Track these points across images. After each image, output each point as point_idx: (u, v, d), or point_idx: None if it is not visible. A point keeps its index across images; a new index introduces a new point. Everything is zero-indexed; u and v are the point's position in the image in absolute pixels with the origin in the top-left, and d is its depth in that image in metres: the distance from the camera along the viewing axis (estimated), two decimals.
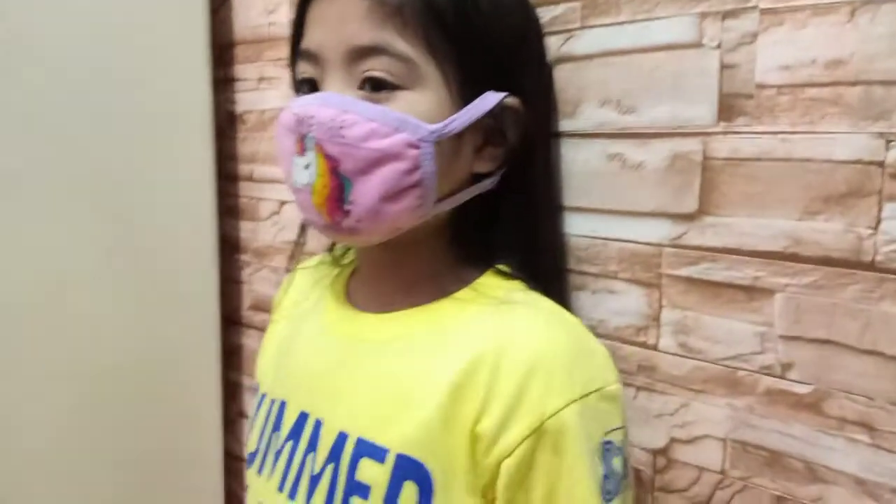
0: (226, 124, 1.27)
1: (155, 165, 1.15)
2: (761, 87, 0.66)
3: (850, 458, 0.64)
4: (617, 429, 0.62)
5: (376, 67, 0.61)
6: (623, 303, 0.77)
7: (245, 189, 1.27)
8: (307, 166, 0.62)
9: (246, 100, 1.25)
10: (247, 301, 1.29)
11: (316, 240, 0.81)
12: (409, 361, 0.64)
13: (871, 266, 0.62)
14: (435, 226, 0.67)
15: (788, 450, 0.67)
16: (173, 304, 1.19)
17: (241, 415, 1.33)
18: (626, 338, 0.77)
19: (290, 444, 0.69)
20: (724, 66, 0.68)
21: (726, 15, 0.68)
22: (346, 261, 0.80)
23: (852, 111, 0.62)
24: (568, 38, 0.77)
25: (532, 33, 0.72)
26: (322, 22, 0.64)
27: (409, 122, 0.60)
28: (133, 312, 1.14)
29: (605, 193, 0.77)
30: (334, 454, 0.64)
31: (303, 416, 0.68)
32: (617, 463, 0.61)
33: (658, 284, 0.74)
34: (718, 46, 0.68)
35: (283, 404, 0.72)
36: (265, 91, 1.20)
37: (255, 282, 1.27)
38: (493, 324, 0.62)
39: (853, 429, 0.64)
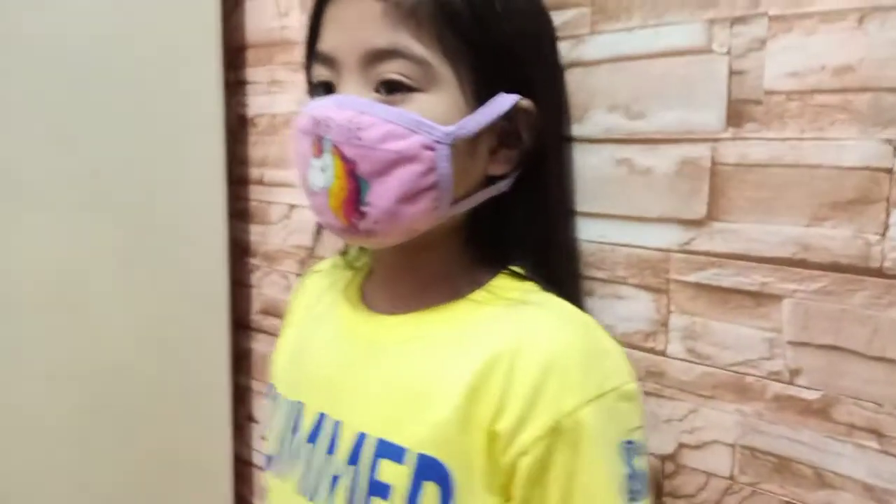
0: (237, 128, 1.28)
1: (166, 168, 1.16)
2: (770, 93, 0.66)
3: (859, 464, 0.64)
4: (637, 428, 0.62)
5: (392, 70, 0.61)
6: (631, 308, 0.77)
7: (255, 193, 1.27)
8: (324, 169, 0.62)
9: (257, 103, 1.25)
10: (256, 305, 1.30)
11: (329, 244, 0.82)
12: (426, 362, 0.64)
13: (879, 272, 0.62)
14: (449, 228, 0.67)
15: (797, 455, 0.67)
16: (183, 308, 1.20)
17: (251, 419, 1.33)
18: (635, 343, 0.77)
19: (309, 445, 0.69)
20: (733, 73, 0.68)
21: (735, 21, 0.68)
22: (358, 264, 0.80)
23: (861, 118, 0.62)
24: (577, 44, 0.78)
25: (546, 35, 0.73)
26: (337, 25, 0.64)
27: (424, 124, 0.60)
28: (143, 315, 1.15)
29: (613, 199, 0.77)
30: (354, 455, 0.64)
31: (321, 418, 0.69)
32: (640, 462, 0.61)
33: (666, 290, 0.74)
34: (728, 52, 0.68)
35: (300, 406, 0.72)
36: (276, 94, 1.21)
37: (264, 286, 1.28)
38: (509, 324, 0.63)
39: (862, 435, 0.64)
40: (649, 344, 0.76)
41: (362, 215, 0.62)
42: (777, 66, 0.66)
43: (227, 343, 1.25)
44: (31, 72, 1.01)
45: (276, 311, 1.26)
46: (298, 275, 1.20)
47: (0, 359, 1.01)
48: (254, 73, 1.25)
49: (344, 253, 0.82)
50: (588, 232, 0.79)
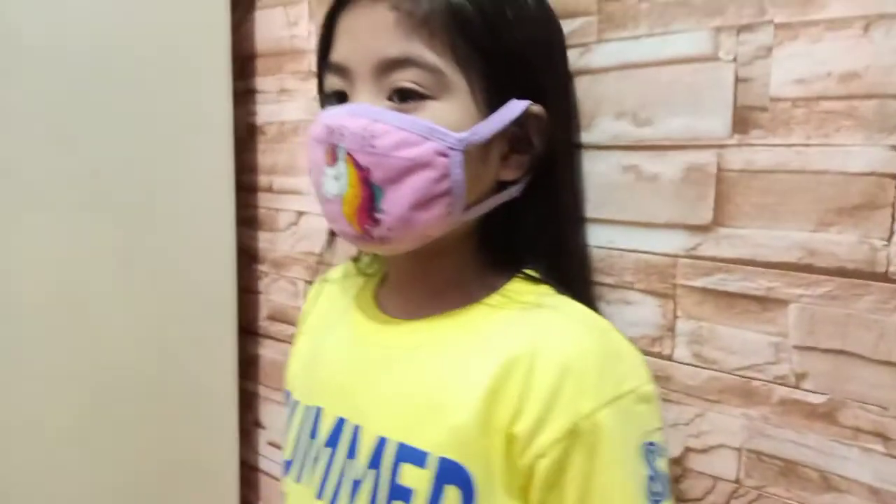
0: (246, 136, 1.29)
1: (175, 176, 1.16)
2: (776, 100, 0.67)
3: (865, 468, 0.64)
4: (657, 429, 0.62)
5: (405, 78, 0.62)
6: (638, 313, 0.77)
7: (264, 200, 1.28)
8: (338, 177, 0.63)
9: (266, 111, 1.26)
10: (264, 311, 1.31)
11: (339, 250, 0.83)
12: (443, 366, 0.65)
13: (884, 277, 0.63)
14: (462, 233, 0.68)
15: (803, 459, 0.68)
16: (191, 314, 1.20)
17: (257, 424, 1.34)
18: (642, 348, 0.77)
19: (328, 450, 0.69)
20: (739, 80, 0.69)
21: (742, 29, 0.69)
22: (370, 270, 0.81)
23: (867, 124, 0.62)
24: (584, 52, 0.78)
25: (556, 43, 0.74)
26: (350, 35, 0.65)
27: (438, 131, 0.61)
28: (151, 320, 1.15)
29: (620, 205, 0.78)
30: (375, 459, 0.64)
31: (340, 423, 0.69)
32: (661, 464, 0.62)
33: (673, 295, 0.75)
34: (734, 60, 0.69)
35: (318, 411, 0.72)
36: (285, 103, 1.22)
37: (272, 292, 1.28)
38: (526, 327, 0.63)
39: (867, 438, 0.64)
40: (656, 349, 0.76)
41: (376, 222, 0.63)
42: (783, 74, 0.67)
43: (235, 349, 1.26)
44: (43, 83, 1.02)
45: (283, 318, 1.26)
46: (307, 281, 1.20)
47: (5, 363, 1.02)
48: (263, 82, 1.26)
49: (356, 260, 0.83)
50: (596, 238, 0.79)
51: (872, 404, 0.64)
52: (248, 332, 1.33)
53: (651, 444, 0.61)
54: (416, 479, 0.61)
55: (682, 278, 0.74)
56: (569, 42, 0.78)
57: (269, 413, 1.31)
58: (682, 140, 0.73)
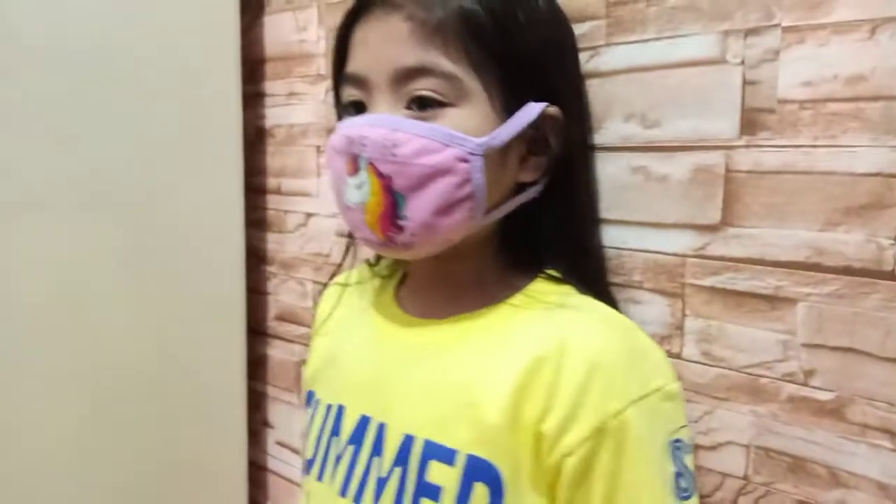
0: (255, 138, 1.30)
1: (185, 178, 1.18)
2: (783, 102, 0.68)
3: (872, 464, 0.65)
4: (682, 426, 0.63)
5: (423, 87, 0.63)
6: (647, 312, 0.78)
7: (272, 202, 1.29)
8: (360, 186, 0.64)
9: (275, 115, 1.28)
10: (272, 312, 1.32)
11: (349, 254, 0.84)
12: (470, 364, 0.65)
13: (891, 276, 0.64)
14: (483, 235, 0.69)
15: (811, 455, 0.69)
16: (200, 314, 1.21)
17: (266, 424, 1.34)
18: None
19: (351, 448, 0.70)
20: (746, 82, 0.70)
21: (749, 32, 0.70)
22: (385, 272, 0.82)
23: (873, 125, 0.64)
24: (594, 55, 0.80)
25: (568, 44, 0.75)
26: (366, 46, 0.66)
27: (457, 137, 0.62)
28: (160, 322, 1.16)
29: (630, 205, 0.79)
30: (401, 457, 0.65)
31: (364, 420, 0.69)
32: (688, 460, 0.62)
33: (682, 294, 0.76)
34: (742, 63, 0.70)
35: (340, 409, 0.73)
36: (294, 106, 1.23)
37: (280, 293, 1.30)
38: (552, 326, 0.64)
39: (875, 434, 0.65)
40: (665, 347, 0.77)
41: (400, 229, 0.63)
42: (790, 76, 0.68)
43: (243, 349, 1.27)
44: (55, 86, 1.03)
45: (291, 318, 1.27)
46: (315, 282, 1.21)
47: (13, 363, 1.03)
48: (272, 86, 1.27)
49: (372, 263, 0.84)
50: (606, 238, 0.80)
51: (880, 401, 0.65)
52: (257, 332, 1.34)
53: (677, 441, 0.62)
54: (445, 476, 0.62)
55: (691, 277, 0.75)
56: (578, 45, 0.79)
57: (278, 413, 1.32)
58: (690, 141, 0.74)
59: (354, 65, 0.67)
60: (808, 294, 0.68)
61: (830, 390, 0.68)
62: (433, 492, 0.62)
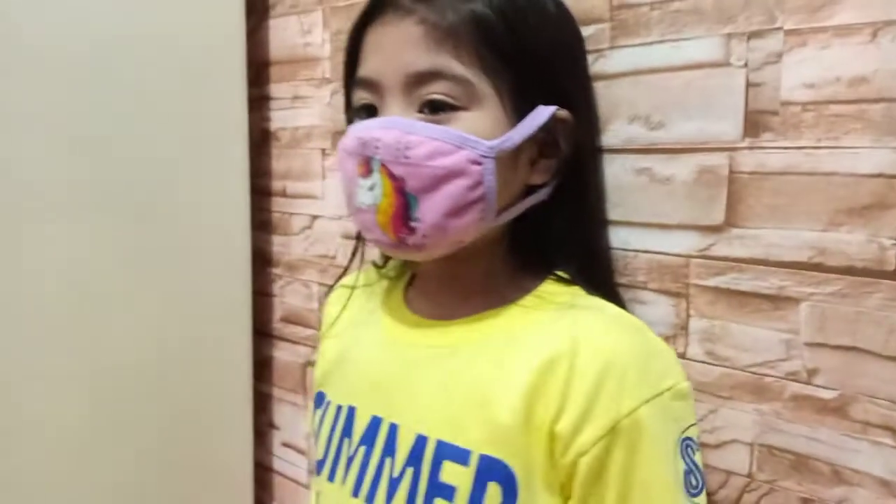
0: (260, 141, 1.31)
1: (191, 180, 1.18)
2: (786, 104, 0.69)
3: (875, 461, 0.66)
4: (692, 425, 0.64)
5: (435, 91, 0.64)
6: (652, 312, 0.79)
7: (278, 204, 1.30)
8: (372, 187, 0.65)
9: (280, 117, 1.28)
10: (278, 313, 1.33)
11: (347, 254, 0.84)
12: (482, 365, 0.66)
13: (893, 275, 0.65)
14: (493, 237, 0.69)
15: (814, 453, 0.70)
16: (207, 316, 1.22)
17: (272, 425, 1.35)
18: None
19: (363, 448, 0.70)
20: (750, 85, 0.71)
21: (752, 35, 0.71)
22: (392, 274, 0.82)
23: (875, 127, 0.64)
24: (598, 58, 0.80)
25: (577, 47, 0.76)
26: (378, 50, 0.67)
27: (470, 140, 0.63)
28: (167, 324, 1.17)
29: (634, 206, 0.80)
30: (414, 457, 0.65)
31: (375, 421, 0.70)
32: (697, 458, 0.63)
33: (686, 294, 0.77)
34: (745, 65, 0.71)
35: (351, 410, 0.73)
36: (299, 109, 1.24)
37: (286, 295, 1.30)
38: (564, 327, 0.64)
39: (877, 432, 0.66)
40: (669, 346, 0.78)
41: (411, 230, 0.64)
42: (793, 79, 0.69)
43: (249, 351, 1.27)
44: (62, 89, 1.03)
45: (297, 320, 1.28)
46: (321, 284, 1.22)
47: (22, 364, 1.03)
48: (277, 89, 1.28)
49: (379, 265, 0.84)
50: (611, 239, 0.81)
51: (882, 399, 0.66)
52: (263, 334, 1.34)
53: (688, 439, 0.63)
54: (459, 476, 0.62)
55: (695, 278, 0.76)
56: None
57: (283, 414, 1.33)
58: (694, 143, 0.75)
59: (366, 69, 0.68)
60: (811, 294, 0.69)
61: (833, 389, 0.68)
62: (447, 492, 0.63)
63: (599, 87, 0.80)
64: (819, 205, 0.68)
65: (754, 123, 0.71)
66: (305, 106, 1.23)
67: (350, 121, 0.72)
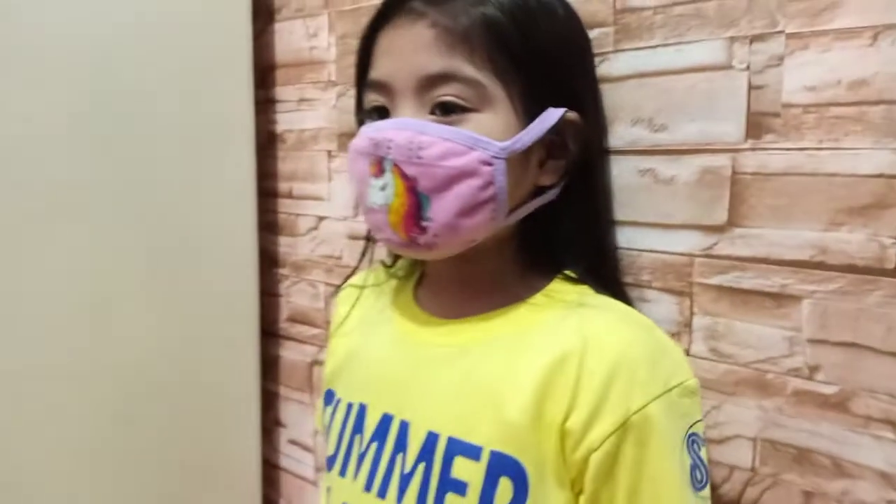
0: (266, 143, 1.32)
1: (199, 182, 1.20)
2: (788, 106, 0.70)
3: (875, 454, 0.68)
4: (699, 421, 0.65)
5: (447, 93, 0.65)
6: (656, 310, 0.80)
7: (284, 206, 1.31)
8: (384, 187, 0.66)
9: (286, 120, 1.30)
10: (284, 313, 1.34)
11: (356, 255, 0.86)
12: (492, 363, 0.67)
13: (893, 273, 0.66)
14: (502, 236, 0.71)
15: (816, 447, 0.71)
16: (214, 316, 1.23)
17: (278, 423, 1.37)
18: None
19: (374, 445, 0.71)
20: (752, 87, 0.72)
21: (754, 39, 0.72)
22: (401, 273, 0.83)
23: (875, 128, 0.66)
24: (602, 61, 0.82)
25: (586, 50, 0.77)
26: (391, 53, 0.68)
27: (481, 141, 0.64)
28: (175, 324, 1.18)
29: (638, 207, 0.81)
30: (425, 453, 0.66)
31: (386, 418, 0.71)
32: (703, 453, 0.65)
33: (690, 293, 0.78)
34: (747, 68, 0.73)
35: (362, 407, 0.74)
36: (305, 112, 1.25)
37: (292, 295, 1.32)
38: (574, 325, 0.65)
39: (878, 426, 0.68)
40: None
41: (423, 230, 0.65)
42: (794, 81, 0.70)
43: (256, 350, 1.28)
44: (69, 93, 1.04)
45: (303, 319, 1.30)
46: (326, 284, 1.24)
47: (32, 364, 1.04)
48: (283, 92, 1.30)
49: (387, 265, 0.85)
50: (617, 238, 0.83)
51: (883, 393, 0.67)
52: (270, 333, 1.36)
53: (694, 434, 0.64)
54: (471, 471, 0.63)
55: (699, 276, 0.77)
56: None
57: (290, 412, 1.34)
58: (697, 144, 0.76)
59: (379, 71, 0.69)
60: (812, 292, 0.70)
61: (834, 384, 0.70)
62: (459, 487, 0.64)
63: (603, 90, 0.81)
64: (820, 205, 0.69)
65: (756, 125, 0.72)
66: (311, 108, 1.24)
67: (361, 122, 0.73)
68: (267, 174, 1.32)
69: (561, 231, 0.72)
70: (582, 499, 0.63)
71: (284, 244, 1.32)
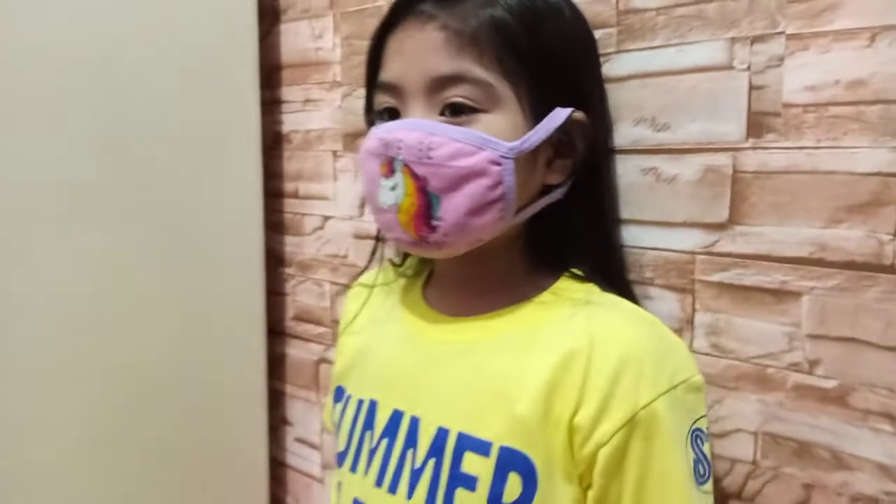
0: (272, 144, 1.34)
1: (205, 182, 1.21)
2: (788, 105, 0.72)
3: (874, 446, 0.69)
4: (702, 416, 0.66)
5: (457, 94, 0.66)
6: (658, 307, 0.82)
7: (290, 205, 1.33)
8: (394, 187, 0.67)
9: (292, 120, 1.31)
10: (290, 312, 1.35)
11: (364, 253, 0.87)
12: (501, 360, 0.68)
13: (891, 269, 0.67)
14: (510, 235, 0.72)
15: (816, 440, 0.72)
16: (221, 315, 1.24)
17: (285, 421, 1.38)
18: None
19: (385, 441, 0.72)
20: (753, 87, 0.74)
21: (755, 40, 0.73)
22: (409, 272, 0.85)
23: (873, 128, 0.67)
24: (605, 62, 0.83)
25: (592, 51, 0.78)
26: (401, 55, 0.69)
27: (490, 141, 0.65)
28: (182, 322, 1.19)
29: (641, 205, 0.82)
30: (435, 449, 0.67)
31: (397, 415, 0.72)
32: (706, 448, 0.66)
33: (691, 290, 0.79)
34: (748, 69, 0.74)
35: (373, 404, 0.75)
36: (310, 112, 1.27)
37: (298, 293, 1.33)
38: (581, 323, 0.67)
39: (876, 419, 0.69)
40: None
41: (433, 229, 0.66)
42: (794, 81, 0.71)
43: (263, 349, 1.30)
44: (79, 91, 1.05)
45: (309, 318, 1.31)
46: (332, 283, 1.25)
47: (39, 363, 1.05)
48: (289, 92, 1.31)
49: (396, 264, 0.86)
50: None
51: (881, 387, 0.68)
52: (276, 332, 1.37)
53: (697, 430, 0.65)
54: (480, 466, 0.64)
55: (700, 273, 0.79)
56: None
57: (296, 410, 1.36)
58: (699, 143, 0.77)
59: (389, 73, 0.70)
60: (812, 288, 0.72)
61: (834, 378, 0.71)
62: (469, 482, 0.65)
63: (607, 90, 0.82)
64: (819, 202, 0.70)
65: (757, 124, 0.74)
66: (317, 109, 1.26)
67: (371, 123, 0.74)
68: (273, 174, 1.34)
69: (568, 229, 0.73)
70: (590, 493, 0.64)
71: (290, 244, 1.34)
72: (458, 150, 0.65)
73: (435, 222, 0.66)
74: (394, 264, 0.86)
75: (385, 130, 0.68)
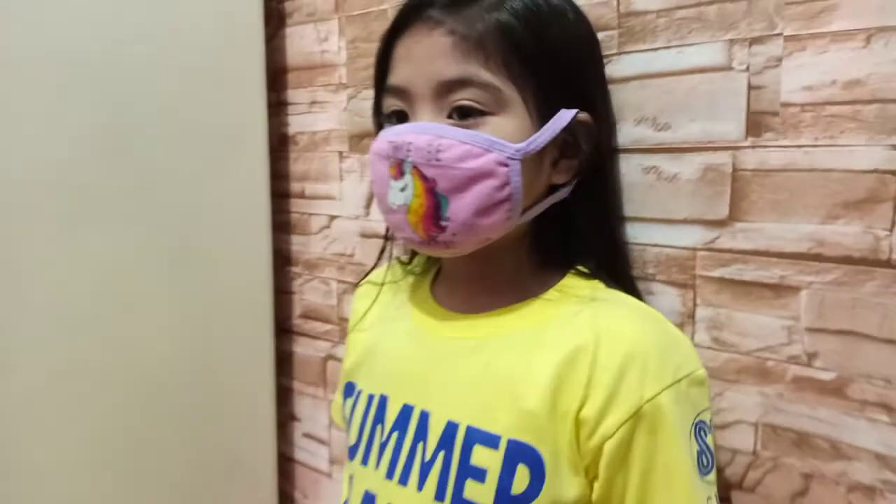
0: (279, 145, 1.35)
1: (213, 183, 1.22)
2: (786, 105, 0.73)
3: (871, 436, 0.71)
4: (706, 409, 0.68)
5: (465, 97, 0.68)
6: (660, 302, 0.83)
7: (296, 205, 1.34)
8: (403, 188, 0.69)
9: (298, 122, 1.33)
10: (297, 310, 1.37)
11: (371, 253, 0.89)
12: (509, 356, 0.70)
13: (887, 264, 0.69)
14: (517, 234, 0.73)
15: (815, 431, 0.74)
16: (230, 314, 1.26)
17: (293, 417, 1.40)
18: None
19: (395, 434, 0.74)
20: (751, 87, 0.75)
21: (753, 41, 0.75)
22: (417, 270, 0.86)
23: (869, 126, 0.69)
24: (607, 63, 0.84)
25: (596, 52, 0.80)
26: (409, 60, 0.71)
27: (498, 143, 0.67)
28: (191, 321, 1.21)
29: (642, 203, 0.84)
30: (445, 442, 0.69)
31: (407, 409, 0.74)
32: (710, 440, 0.68)
33: (693, 285, 0.81)
34: (746, 69, 0.75)
35: (383, 398, 0.77)
36: (316, 114, 1.28)
37: (305, 292, 1.35)
38: (586, 319, 0.68)
39: (874, 410, 0.70)
40: None
41: (442, 229, 0.68)
42: (792, 81, 0.73)
43: (271, 346, 1.31)
44: (86, 93, 1.07)
45: (316, 316, 1.32)
46: (339, 281, 1.27)
47: (52, 362, 1.07)
48: (295, 94, 1.32)
49: (406, 262, 0.88)
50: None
51: (878, 379, 0.70)
52: (284, 330, 1.38)
53: (701, 422, 0.67)
54: (489, 458, 0.66)
55: (701, 269, 0.80)
56: None
57: (304, 406, 1.38)
58: (699, 143, 0.79)
59: (398, 77, 0.72)
60: (810, 282, 0.73)
61: (832, 371, 0.73)
62: (478, 474, 0.66)
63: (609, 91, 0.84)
64: (817, 199, 0.72)
65: (756, 124, 0.75)
66: (323, 110, 1.27)
67: (380, 126, 0.76)
68: (280, 175, 1.35)
69: (573, 228, 0.75)
70: (596, 485, 0.66)
71: (297, 243, 1.35)
72: (466, 152, 0.66)
73: (443, 222, 0.68)
74: (402, 262, 0.88)
75: (395, 133, 0.69)
